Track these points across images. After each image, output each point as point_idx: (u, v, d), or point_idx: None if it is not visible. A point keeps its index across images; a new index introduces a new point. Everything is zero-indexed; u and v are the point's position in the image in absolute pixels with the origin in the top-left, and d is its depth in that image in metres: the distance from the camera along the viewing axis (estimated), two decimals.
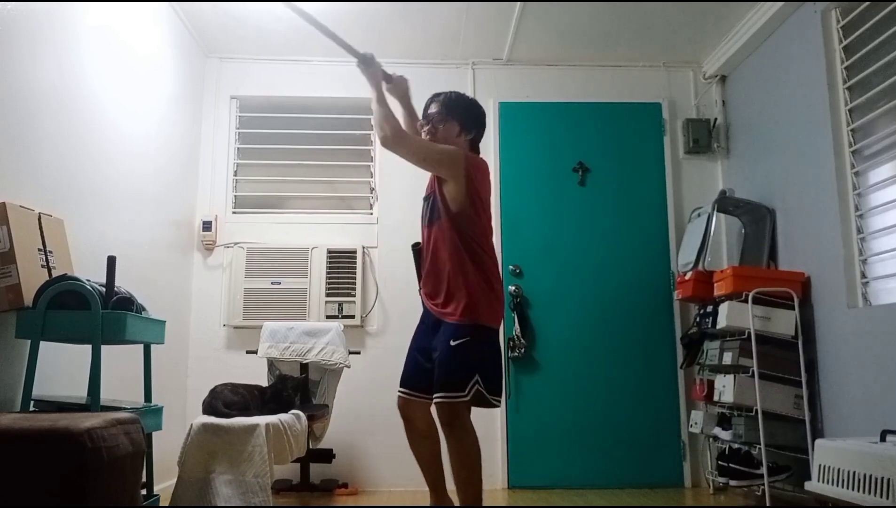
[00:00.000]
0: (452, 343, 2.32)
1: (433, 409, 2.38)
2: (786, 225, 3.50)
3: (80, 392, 2.43)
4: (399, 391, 2.47)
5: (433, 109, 2.54)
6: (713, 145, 4.15)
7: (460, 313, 2.35)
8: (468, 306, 2.35)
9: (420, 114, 2.65)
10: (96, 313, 2.12)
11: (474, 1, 3.59)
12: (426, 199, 2.53)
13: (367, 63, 2.57)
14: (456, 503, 2.46)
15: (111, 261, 2.23)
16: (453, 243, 2.39)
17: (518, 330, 3.89)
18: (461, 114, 2.54)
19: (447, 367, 2.33)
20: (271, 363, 3.54)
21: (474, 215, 2.42)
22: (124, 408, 2.19)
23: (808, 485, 2.58)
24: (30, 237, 2.20)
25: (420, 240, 2.56)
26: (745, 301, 3.16)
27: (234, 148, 4.16)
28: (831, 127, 3.11)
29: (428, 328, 2.48)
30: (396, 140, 2.41)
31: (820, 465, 2.52)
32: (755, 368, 3.09)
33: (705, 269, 3.56)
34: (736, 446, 3.26)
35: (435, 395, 2.33)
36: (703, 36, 3.95)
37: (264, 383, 3.35)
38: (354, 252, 3.96)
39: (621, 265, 4.04)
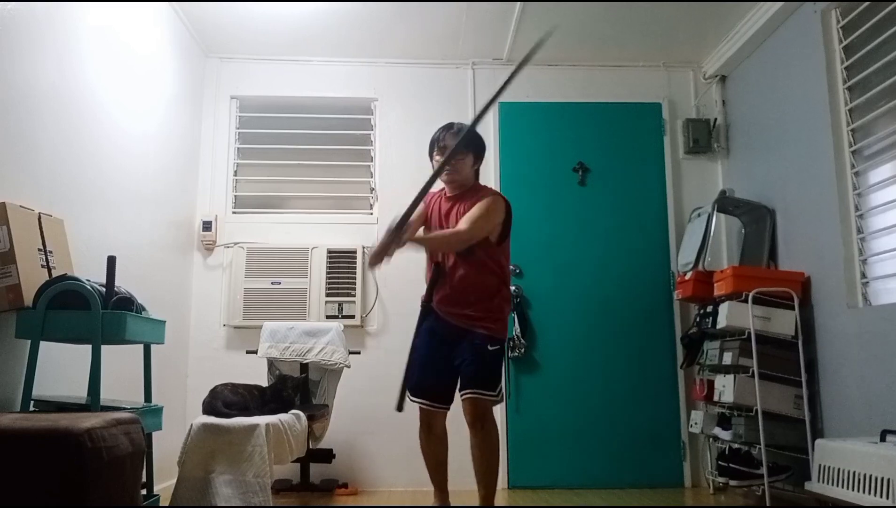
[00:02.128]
0: (490, 348, 2.59)
1: (462, 405, 2.59)
2: (786, 225, 3.50)
3: (80, 392, 2.43)
4: (423, 403, 2.65)
5: (451, 141, 2.67)
6: (713, 145, 4.15)
7: (498, 327, 2.64)
8: (503, 321, 2.68)
9: (435, 151, 2.74)
10: (96, 313, 2.12)
11: (474, 1, 3.59)
12: None
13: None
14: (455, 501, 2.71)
15: (111, 261, 2.22)
16: (491, 268, 2.66)
17: (518, 330, 3.89)
18: (475, 147, 2.76)
19: (484, 368, 2.58)
20: (271, 363, 3.54)
21: (507, 245, 2.75)
22: (124, 408, 2.19)
23: (808, 485, 2.59)
24: (30, 237, 2.20)
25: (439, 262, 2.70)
26: (745, 301, 3.16)
27: (234, 148, 4.16)
28: (831, 127, 3.11)
29: (444, 338, 2.64)
30: (467, 240, 2.58)
31: (820, 465, 2.52)
32: (755, 368, 3.08)
33: (705, 269, 3.56)
34: (736, 446, 3.26)
35: (468, 391, 2.56)
36: (703, 36, 3.95)
37: (264, 383, 3.35)
38: (354, 252, 3.96)
39: (621, 265, 4.03)
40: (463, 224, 2.58)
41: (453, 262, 2.64)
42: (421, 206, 2.70)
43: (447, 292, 2.65)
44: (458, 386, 2.63)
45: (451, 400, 2.66)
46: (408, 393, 2.68)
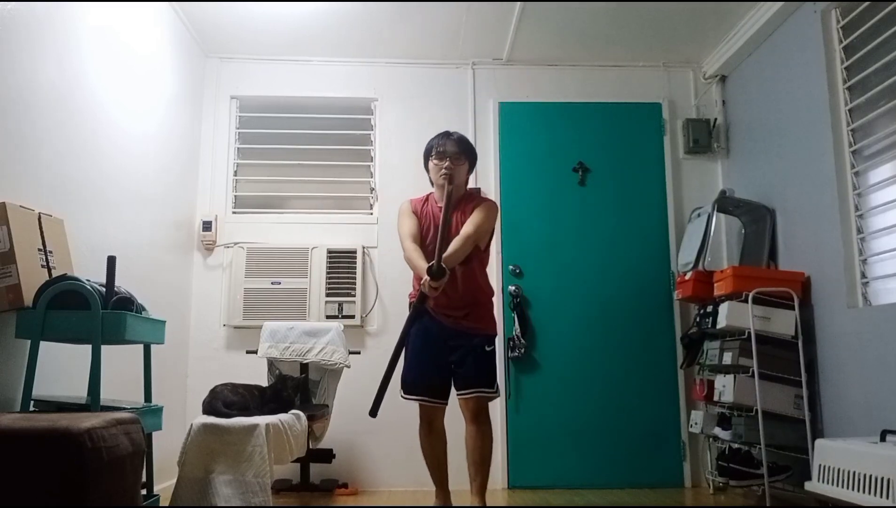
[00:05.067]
0: (487, 349, 2.78)
1: (462, 403, 2.74)
2: (786, 225, 3.50)
3: (80, 392, 2.42)
4: (424, 400, 2.76)
5: (451, 148, 2.83)
6: (713, 145, 4.15)
7: (492, 326, 2.85)
8: (494, 321, 2.88)
9: (434, 151, 2.86)
10: (96, 313, 2.12)
11: (474, 1, 3.59)
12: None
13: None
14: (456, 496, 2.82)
15: (111, 261, 2.22)
16: (482, 272, 2.85)
17: (518, 330, 3.88)
18: (471, 156, 2.92)
19: (485, 368, 2.77)
20: (271, 363, 3.53)
21: (489, 251, 2.93)
22: (124, 408, 2.19)
23: (808, 485, 2.58)
24: (30, 237, 2.20)
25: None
26: (745, 301, 3.16)
27: (234, 148, 4.16)
28: (831, 127, 3.11)
29: (442, 340, 2.76)
30: (475, 242, 2.74)
31: (820, 465, 2.52)
32: (755, 368, 3.08)
33: (705, 269, 3.56)
34: (736, 446, 3.26)
35: (472, 390, 2.72)
36: (703, 36, 3.95)
37: (264, 383, 3.35)
38: (354, 252, 3.96)
39: (621, 265, 4.03)
40: (470, 228, 2.72)
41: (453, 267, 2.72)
42: (410, 219, 2.84)
43: (448, 296, 2.72)
44: (458, 385, 2.76)
45: (448, 395, 2.79)
46: (402, 391, 2.79)
